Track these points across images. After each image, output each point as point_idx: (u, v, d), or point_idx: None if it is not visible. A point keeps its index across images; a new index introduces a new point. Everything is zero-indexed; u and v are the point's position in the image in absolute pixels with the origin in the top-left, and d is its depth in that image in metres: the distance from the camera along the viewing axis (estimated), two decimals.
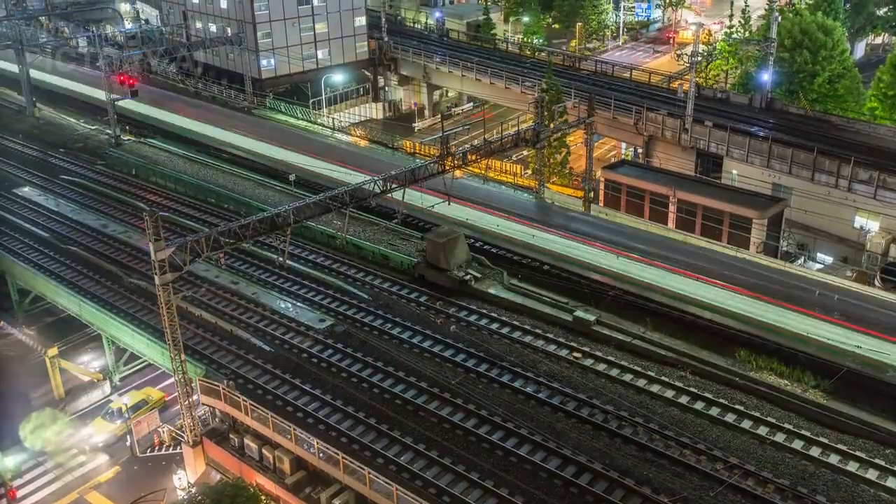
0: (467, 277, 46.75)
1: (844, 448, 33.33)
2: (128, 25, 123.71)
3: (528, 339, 42.18)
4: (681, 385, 37.68)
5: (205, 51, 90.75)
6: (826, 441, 33.73)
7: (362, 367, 40.63)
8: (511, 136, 50.30)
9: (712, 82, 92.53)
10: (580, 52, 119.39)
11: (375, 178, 44.17)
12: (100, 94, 79.45)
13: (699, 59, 67.81)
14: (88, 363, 52.97)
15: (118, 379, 52.06)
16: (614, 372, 39.10)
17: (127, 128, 79.84)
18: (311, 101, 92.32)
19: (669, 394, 37.28)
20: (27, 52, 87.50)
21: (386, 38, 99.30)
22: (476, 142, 52.50)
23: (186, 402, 38.15)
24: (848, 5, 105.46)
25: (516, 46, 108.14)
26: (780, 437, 34.08)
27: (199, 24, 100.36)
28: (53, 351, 50.69)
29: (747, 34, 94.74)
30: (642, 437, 34.50)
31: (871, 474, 32.07)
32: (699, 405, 36.46)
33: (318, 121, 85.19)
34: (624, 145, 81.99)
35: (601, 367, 39.56)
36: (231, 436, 38.74)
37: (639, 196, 54.64)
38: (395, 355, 41.13)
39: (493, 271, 47.92)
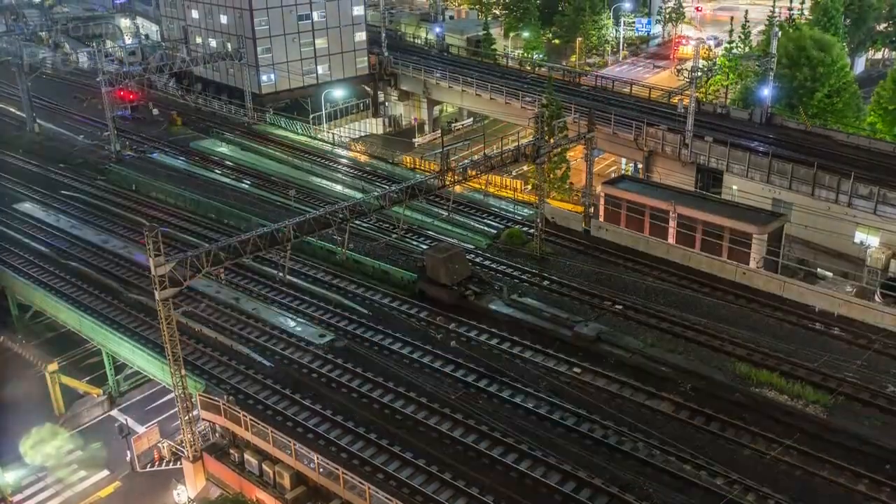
0: (467, 293, 46.73)
1: (844, 463, 33.21)
2: (128, 41, 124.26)
3: (528, 354, 42.17)
4: (681, 400, 37.65)
5: (205, 66, 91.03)
6: (826, 456, 33.61)
7: (362, 382, 40.59)
8: (511, 151, 50.45)
9: (712, 97, 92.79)
10: (580, 67, 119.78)
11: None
12: None
13: (699, 74, 67.97)
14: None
15: (118, 394, 51.92)
16: (614, 387, 39.05)
17: None
18: (311, 116, 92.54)
19: (670, 409, 37.23)
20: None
21: (386, 54, 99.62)
22: (476, 157, 52.54)
23: (186, 417, 38.10)
24: (847, 20, 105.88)
25: (516, 62, 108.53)
26: (780, 453, 33.92)
27: (199, 40, 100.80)
28: (53, 366, 50.59)
29: (747, 49, 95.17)
30: (642, 453, 34.45)
31: (870, 489, 31.98)
32: (699, 420, 36.44)
33: (319, 136, 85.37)
34: (624, 160, 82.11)
35: (601, 382, 39.52)
36: (231, 451, 38.66)
37: (639, 211, 54.70)
38: (396, 370, 41.08)
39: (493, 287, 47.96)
